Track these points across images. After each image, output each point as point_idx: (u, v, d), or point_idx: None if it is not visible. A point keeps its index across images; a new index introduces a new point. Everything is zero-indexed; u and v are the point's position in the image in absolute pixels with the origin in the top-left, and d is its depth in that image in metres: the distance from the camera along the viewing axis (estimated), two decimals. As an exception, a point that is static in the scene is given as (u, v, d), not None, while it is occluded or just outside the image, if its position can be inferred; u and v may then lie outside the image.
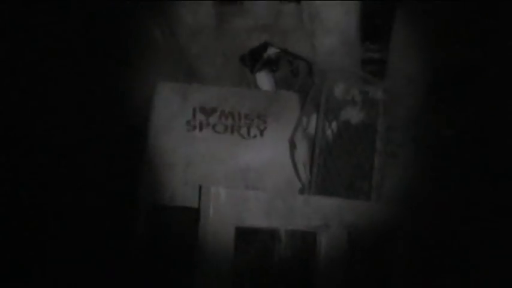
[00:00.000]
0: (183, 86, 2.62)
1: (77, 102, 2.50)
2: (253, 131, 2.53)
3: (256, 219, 2.30)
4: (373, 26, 2.67)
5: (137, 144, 2.51)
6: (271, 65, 2.75)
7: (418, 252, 2.44)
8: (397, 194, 2.54)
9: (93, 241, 2.40)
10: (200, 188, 2.27)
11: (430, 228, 2.44)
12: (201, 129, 2.51)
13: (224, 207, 2.24)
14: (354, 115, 2.51)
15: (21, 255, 2.33)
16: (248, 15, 2.72)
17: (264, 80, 2.76)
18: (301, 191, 2.45)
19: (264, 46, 2.74)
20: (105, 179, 2.47)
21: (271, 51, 2.74)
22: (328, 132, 2.48)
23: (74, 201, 2.43)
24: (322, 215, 2.33)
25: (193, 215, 2.32)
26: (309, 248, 2.39)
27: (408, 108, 2.65)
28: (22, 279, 2.32)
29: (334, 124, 2.49)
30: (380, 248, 2.42)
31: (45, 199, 2.40)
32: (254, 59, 2.74)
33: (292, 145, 2.50)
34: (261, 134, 2.53)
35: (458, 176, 2.54)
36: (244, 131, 2.53)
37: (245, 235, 2.33)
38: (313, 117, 2.55)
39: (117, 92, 2.55)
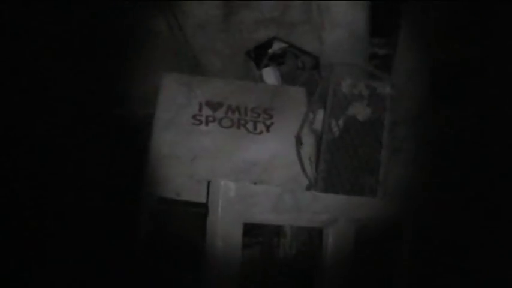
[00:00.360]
0: (189, 77, 2.59)
1: (79, 97, 2.47)
2: (260, 126, 2.51)
3: (264, 215, 2.25)
4: (381, 21, 2.65)
5: (142, 138, 2.47)
6: (277, 59, 2.73)
7: (420, 249, 2.43)
8: (399, 191, 2.54)
9: (95, 239, 2.37)
10: (209, 182, 2.21)
11: (430, 226, 2.44)
12: (207, 123, 2.48)
13: (233, 202, 2.18)
14: (360, 111, 2.50)
15: (22, 255, 2.30)
16: (255, 8, 2.70)
17: (270, 75, 2.74)
18: (308, 187, 2.43)
19: (270, 41, 2.72)
20: (108, 174, 2.44)
21: (277, 46, 2.72)
22: (335, 128, 2.47)
23: (76, 199, 2.40)
24: (329, 211, 2.30)
25: (198, 210, 2.29)
26: (315, 244, 2.38)
27: (409, 105, 2.63)
28: (22, 279, 2.28)
29: (340, 120, 2.48)
30: (385, 244, 2.41)
31: (46, 198, 2.37)
32: (260, 54, 2.72)
33: (299, 141, 2.48)
34: (268, 129, 2.51)
35: (458, 174, 2.55)
36: (250, 125, 2.51)
37: (250, 231, 2.29)
38: (320, 113, 2.54)
39: (121, 86, 2.53)
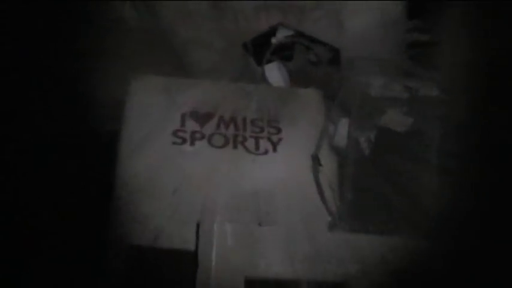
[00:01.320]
0: (167, 81, 2.19)
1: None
2: (264, 144, 2.10)
3: (272, 268, 1.88)
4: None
5: (107, 165, 2.04)
6: (284, 52, 2.35)
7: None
8: (448, 226, 2.04)
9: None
10: (198, 224, 1.86)
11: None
12: (192, 142, 2.06)
13: (231, 250, 1.86)
14: (397, 120, 2.07)
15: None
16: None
17: (274, 73, 2.36)
18: (331, 227, 2.00)
19: (273, 29, 2.33)
20: (64, 214, 2.06)
21: (283, 34, 2.34)
22: (364, 144, 2.05)
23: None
24: (360, 259, 1.92)
25: (184, 259, 1.90)
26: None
27: (457, 111, 2.21)
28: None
29: (371, 133, 2.05)
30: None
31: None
32: (261, 47, 2.34)
33: (316, 162, 2.08)
34: (274, 148, 2.10)
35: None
36: (251, 143, 2.09)
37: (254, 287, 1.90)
38: (343, 124, 2.12)
39: (82, 96, 2.19)
